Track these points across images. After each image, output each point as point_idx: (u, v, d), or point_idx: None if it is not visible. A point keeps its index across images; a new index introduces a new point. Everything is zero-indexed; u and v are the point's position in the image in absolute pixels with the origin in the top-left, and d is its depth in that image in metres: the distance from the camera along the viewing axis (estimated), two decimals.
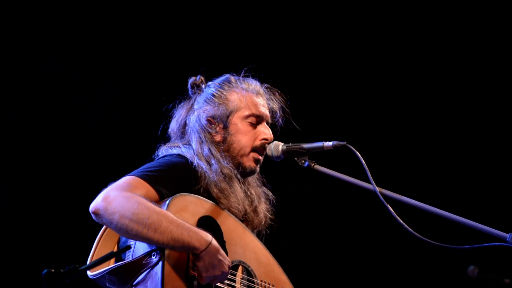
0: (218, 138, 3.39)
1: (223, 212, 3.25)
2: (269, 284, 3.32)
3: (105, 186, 3.04)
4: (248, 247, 3.29)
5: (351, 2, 5.82)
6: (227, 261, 3.04)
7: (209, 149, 3.34)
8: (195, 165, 3.26)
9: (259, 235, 3.47)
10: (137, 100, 5.36)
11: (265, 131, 3.42)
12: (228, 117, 3.40)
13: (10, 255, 5.08)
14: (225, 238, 3.19)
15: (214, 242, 3.01)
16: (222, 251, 3.03)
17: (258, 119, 3.42)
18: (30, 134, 5.20)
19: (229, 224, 3.25)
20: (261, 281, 3.29)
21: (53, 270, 2.31)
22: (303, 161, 3.27)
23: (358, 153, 3.11)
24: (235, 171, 3.36)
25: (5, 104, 5.13)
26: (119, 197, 2.95)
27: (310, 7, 5.81)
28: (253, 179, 3.51)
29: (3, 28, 5.10)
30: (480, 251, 2.95)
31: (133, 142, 5.18)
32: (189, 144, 3.40)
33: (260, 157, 3.39)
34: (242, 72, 3.53)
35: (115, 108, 5.37)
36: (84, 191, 4.92)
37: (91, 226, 3.13)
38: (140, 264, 2.98)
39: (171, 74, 4.79)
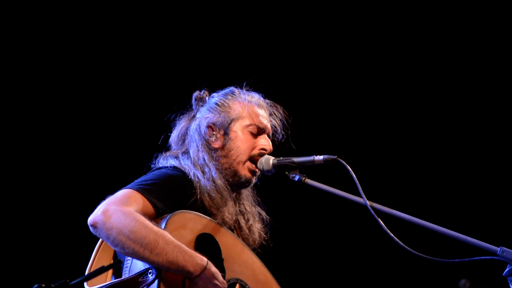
0: (217, 144, 3.38)
1: (222, 229, 3.24)
2: None
3: (103, 195, 3.04)
4: (246, 264, 3.27)
5: (344, 21, 5.86)
6: (223, 285, 3.02)
7: (204, 158, 3.33)
8: (191, 177, 3.26)
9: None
10: (140, 105, 5.37)
11: (264, 142, 3.41)
12: (229, 124, 3.39)
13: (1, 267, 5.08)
14: (223, 256, 3.17)
15: (210, 266, 2.98)
16: (218, 275, 3.00)
17: (259, 130, 3.42)
18: (29, 134, 5.20)
19: (228, 241, 3.24)
20: None
21: (43, 285, 2.30)
22: (294, 175, 3.26)
23: (348, 167, 3.11)
24: (228, 183, 3.35)
25: (5, 103, 5.13)
26: (118, 213, 2.93)
27: (305, 23, 5.85)
28: (248, 197, 3.50)
29: (2, 27, 5.11)
30: (471, 265, 2.94)
31: (134, 146, 5.15)
32: (187, 152, 3.39)
33: (257, 169, 3.38)
34: (245, 85, 3.54)
35: (117, 111, 5.37)
36: (81, 199, 4.94)
37: (88, 235, 3.12)
38: (136, 282, 2.95)
39: (176, 84, 4.81)
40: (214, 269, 3.00)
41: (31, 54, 5.22)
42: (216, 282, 2.99)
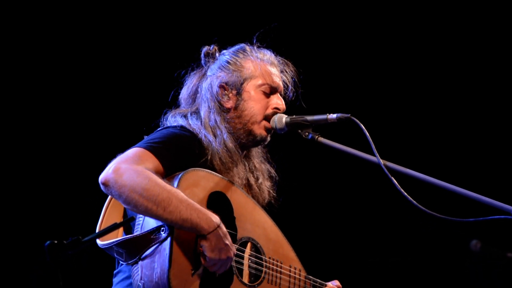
0: (229, 104, 3.34)
1: (234, 187, 3.23)
2: (277, 261, 3.31)
3: (113, 154, 3.02)
4: (257, 223, 3.28)
5: None
6: (233, 247, 3.02)
7: (215, 120, 3.31)
8: (201, 137, 3.23)
9: None
10: (149, 62, 5.34)
11: (277, 101, 3.38)
12: (242, 84, 3.35)
13: (13, 227, 5.09)
14: (235, 214, 3.17)
15: (223, 226, 2.99)
16: (229, 237, 3.01)
17: (271, 89, 3.38)
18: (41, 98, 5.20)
19: (240, 199, 3.23)
20: (269, 258, 3.28)
21: (56, 242, 2.30)
22: (307, 133, 3.25)
23: (362, 125, 3.09)
24: (240, 144, 3.33)
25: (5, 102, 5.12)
26: (130, 171, 2.91)
27: None
28: (257, 154, 3.48)
29: (2, 26, 5.08)
30: (484, 224, 2.93)
31: (144, 102, 5.12)
32: (197, 112, 3.36)
33: (271, 127, 3.35)
34: (255, 41, 3.49)
35: (128, 67, 5.36)
36: (91, 157, 4.95)
37: (98, 195, 3.11)
38: (148, 239, 2.95)
39: (185, 42, 4.77)
40: (225, 229, 3.01)
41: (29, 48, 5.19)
42: (228, 242, 3.00)
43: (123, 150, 3.05)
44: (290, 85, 3.51)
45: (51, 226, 5.09)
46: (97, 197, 3.13)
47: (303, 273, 3.43)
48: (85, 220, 4.66)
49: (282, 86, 3.45)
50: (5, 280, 5.06)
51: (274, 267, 3.29)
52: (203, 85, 3.41)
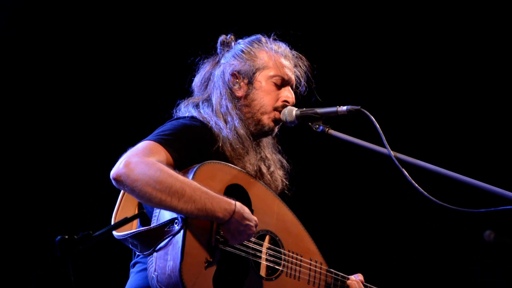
0: (240, 93, 3.35)
1: (253, 179, 3.23)
2: (296, 254, 3.29)
3: (125, 148, 3.01)
4: (277, 216, 3.27)
5: None
6: (253, 222, 3.02)
7: (227, 106, 3.31)
8: (211, 125, 3.23)
9: None
10: (164, 52, 5.34)
11: (287, 94, 3.38)
12: (254, 73, 3.36)
13: (13, 227, 5.10)
14: (253, 207, 3.16)
15: (238, 208, 2.97)
16: (247, 214, 3.00)
17: (283, 81, 3.39)
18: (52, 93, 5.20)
19: (259, 192, 3.23)
20: (289, 251, 3.26)
21: (66, 237, 2.30)
22: (317, 126, 3.24)
23: (372, 117, 3.09)
24: (250, 132, 3.32)
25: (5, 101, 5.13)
26: (141, 164, 2.90)
27: None
28: (268, 145, 3.47)
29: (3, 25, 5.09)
30: (496, 215, 2.92)
31: (158, 92, 5.12)
32: (208, 99, 3.37)
33: (280, 119, 3.35)
34: (272, 35, 3.49)
35: (141, 59, 5.35)
36: (103, 152, 4.95)
37: (98, 196, 3.11)
38: (162, 232, 2.95)
39: (203, 28, 4.77)
40: (241, 208, 2.99)
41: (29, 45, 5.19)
42: (247, 222, 2.99)
43: (126, 147, 3.03)
44: (302, 80, 3.51)
45: (52, 226, 5.09)
46: (97, 197, 3.12)
47: (324, 267, 3.40)
48: (86, 220, 4.69)
49: (294, 79, 3.45)
50: (5, 280, 5.06)
51: (293, 260, 3.28)
52: (216, 72, 3.42)
